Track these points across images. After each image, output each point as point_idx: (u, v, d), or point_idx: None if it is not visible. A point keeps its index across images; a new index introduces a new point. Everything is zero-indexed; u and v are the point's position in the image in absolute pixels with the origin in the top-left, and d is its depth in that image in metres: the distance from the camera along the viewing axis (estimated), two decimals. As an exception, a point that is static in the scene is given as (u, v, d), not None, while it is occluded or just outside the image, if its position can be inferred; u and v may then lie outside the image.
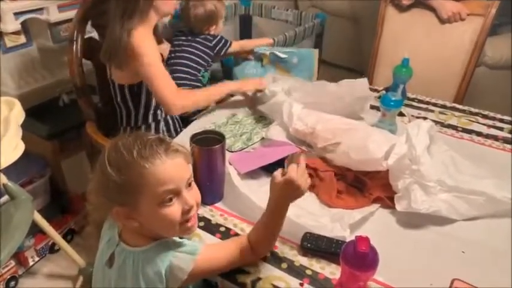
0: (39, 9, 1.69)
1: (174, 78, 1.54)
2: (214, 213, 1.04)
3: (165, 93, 1.34)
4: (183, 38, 1.79)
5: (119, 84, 1.46)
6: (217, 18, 1.76)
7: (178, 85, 1.56)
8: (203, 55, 1.74)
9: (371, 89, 1.69)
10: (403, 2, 1.78)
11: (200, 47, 1.74)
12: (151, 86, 1.37)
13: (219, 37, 1.77)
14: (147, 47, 1.33)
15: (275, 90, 1.41)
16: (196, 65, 1.73)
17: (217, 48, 1.75)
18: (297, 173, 0.83)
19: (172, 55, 1.76)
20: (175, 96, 1.35)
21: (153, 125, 1.56)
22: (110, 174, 0.74)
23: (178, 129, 1.60)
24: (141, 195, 0.75)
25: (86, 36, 1.55)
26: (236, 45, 1.86)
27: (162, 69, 1.36)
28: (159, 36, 1.58)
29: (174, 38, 1.81)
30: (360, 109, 1.40)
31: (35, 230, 1.73)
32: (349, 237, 0.93)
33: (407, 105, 1.55)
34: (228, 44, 1.78)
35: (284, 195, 0.84)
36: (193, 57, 1.73)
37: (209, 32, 1.77)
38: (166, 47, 1.75)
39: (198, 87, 1.70)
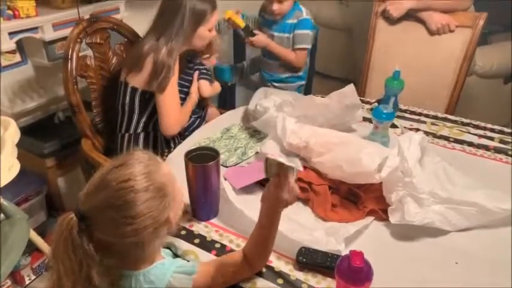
0: (34, 28, 1.71)
1: None
2: (209, 229, 1.04)
3: (169, 118, 1.48)
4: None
5: (133, 86, 1.51)
6: (212, 49, 1.75)
7: None
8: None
9: (363, 101, 1.71)
10: (393, 15, 1.81)
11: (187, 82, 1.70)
12: (160, 106, 1.47)
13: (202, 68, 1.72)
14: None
15: (267, 106, 1.42)
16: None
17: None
18: (286, 190, 0.84)
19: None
20: (175, 124, 1.50)
21: (151, 134, 1.58)
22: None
23: (177, 141, 1.61)
24: None
25: (80, 54, 1.57)
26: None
27: (175, 93, 1.49)
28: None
29: None
30: (351, 119, 1.42)
31: (32, 249, 1.72)
32: (344, 251, 0.94)
33: (399, 117, 1.57)
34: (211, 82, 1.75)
35: (272, 206, 0.86)
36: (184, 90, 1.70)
37: (201, 60, 1.73)
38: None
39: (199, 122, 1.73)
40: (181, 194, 0.85)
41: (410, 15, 1.80)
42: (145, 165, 0.77)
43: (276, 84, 1.95)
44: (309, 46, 1.87)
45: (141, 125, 1.56)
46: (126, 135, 1.57)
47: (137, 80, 1.49)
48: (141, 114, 1.54)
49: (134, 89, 1.50)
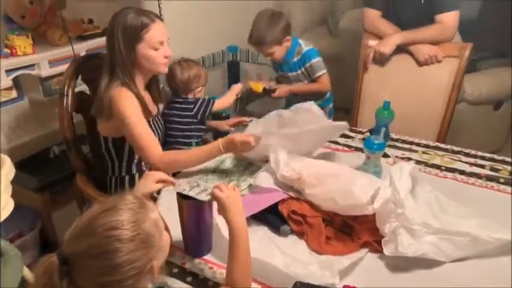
0: (31, 65, 1.75)
1: (168, 149, 1.56)
2: (203, 266, 1.04)
3: (147, 155, 1.34)
4: (171, 103, 1.74)
5: (104, 136, 1.50)
6: (201, 82, 1.75)
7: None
8: (188, 126, 1.70)
9: (355, 131, 1.74)
10: (384, 53, 1.85)
11: (184, 118, 1.70)
12: (134, 146, 1.38)
13: (200, 100, 1.71)
14: (128, 107, 1.35)
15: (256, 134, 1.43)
16: (185, 139, 1.71)
17: (201, 112, 1.70)
18: (226, 194, 0.91)
19: (165, 124, 1.69)
20: (158, 160, 1.33)
21: (137, 175, 1.56)
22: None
23: (169, 174, 1.60)
24: None
25: (76, 90, 1.59)
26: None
27: (144, 129, 1.36)
28: (155, 93, 1.56)
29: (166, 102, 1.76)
30: (322, 138, 1.46)
31: (25, 286, 1.70)
32: (338, 284, 0.94)
33: (391, 146, 1.59)
34: (211, 104, 1.71)
35: (222, 212, 0.91)
36: (180, 127, 1.71)
37: (194, 95, 1.73)
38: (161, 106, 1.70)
39: None
40: (169, 243, 0.84)
41: (399, 47, 1.85)
42: (134, 212, 0.76)
43: None
44: (325, 69, 1.92)
45: (124, 168, 1.55)
46: (113, 177, 1.57)
47: (104, 129, 1.48)
48: (119, 159, 1.53)
49: (105, 138, 1.50)
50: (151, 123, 1.49)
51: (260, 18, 1.84)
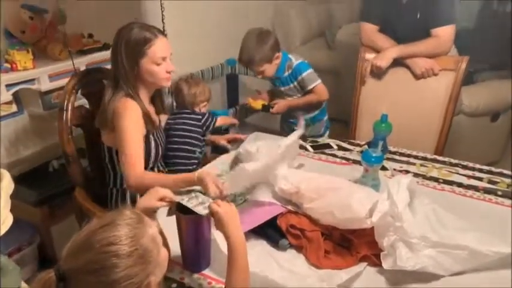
0: (31, 80, 1.76)
1: (169, 157, 1.64)
2: (202, 281, 1.03)
3: (128, 172, 1.35)
4: (177, 114, 1.79)
5: (108, 146, 1.51)
6: (205, 98, 1.82)
7: (176, 167, 1.66)
8: (195, 134, 1.75)
9: (353, 144, 1.75)
10: (381, 66, 1.87)
11: (191, 127, 1.74)
12: (120, 158, 1.39)
13: (206, 114, 1.79)
14: (128, 119, 1.37)
15: (250, 151, 1.43)
16: (191, 146, 1.74)
17: (206, 125, 1.77)
18: (223, 208, 0.93)
19: (170, 132, 1.73)
20: (137, 180, 1.34)
21: None
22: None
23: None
24: None
25: (76, 104, 1.60)
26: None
27: (135, 143, 1.37)
28: (159, 105, 1.60)
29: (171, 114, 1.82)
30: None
31: (22, 301, 1.68)
32: (337, 299, 0.94)
33: (389, 159, 1.60)
34: (215, 119, 1.80)
35: (220, 227, 0.92)
36: (187, 134, 1.74)
37: (199, 109, 1.81)
38: (164, 118, 1.75)
39: (194, 168, 1.69)
40: (167, 258, 0.84)
41: (395, 60, 1.87)
42: (132, 228, 0.77)
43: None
44: (319, 79, 1.92)
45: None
46: (114, 189, 1.57)
47: (109, 139, 1.48)
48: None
49: (110, 148, 1.50)
50: (155, 135, 1.51)
51: (248, 37, 1.85)
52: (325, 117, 2.07)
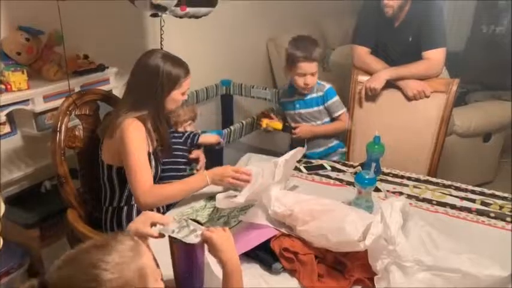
0: (25, 101, 1.75)
1: (162, 178, 1.65)
2: (194, 305, 1.02)
3: (137, 187, 1.39)
4: None
5: (108, 164, 1.52)
6: (190, 117, 1.87)
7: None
8: (181, 153, 1.78)
9: (347, 165, 1.76)
10: (375, 88, 1.89)
11: (177, 145, 1.77)
12: (128, 176, 1.43)
13: (188, 132, 1.83)
14: (135, 137, 1.42)
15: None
16: (179, 165, 1.77)
17: (188, 141, 1.80)
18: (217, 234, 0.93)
19: None
20: (146, 194, 1.39)
21: (135, 207, 1.56)
22: None
23: (161, 211, 1.60)
24: None
25: (69, 125, 1.60)
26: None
27: (142, 162, 1.41)
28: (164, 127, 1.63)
29: None
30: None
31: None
32: (331, 324, 0.93)
33: (382, 180, 1.60)
34: (197, 136, 1.83)
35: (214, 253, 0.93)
36: (174, 153, 1.75)
37: (184, 128, 1.85)
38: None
39: None
40: None
41: (387, 83, 1.89)
42: (122, 255, 0.76)
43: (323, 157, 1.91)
44: (345, 108, 1.92)
45: (124, 198, 1.55)
46: (110, 208, 1.57)
47: (109, 158, 1.51)
48: (121, 189, 1.54)
49: (110, 166, 1.52)
50: (156, 152, 1.56)
51: (300, 39, 1.86)
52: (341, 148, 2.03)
